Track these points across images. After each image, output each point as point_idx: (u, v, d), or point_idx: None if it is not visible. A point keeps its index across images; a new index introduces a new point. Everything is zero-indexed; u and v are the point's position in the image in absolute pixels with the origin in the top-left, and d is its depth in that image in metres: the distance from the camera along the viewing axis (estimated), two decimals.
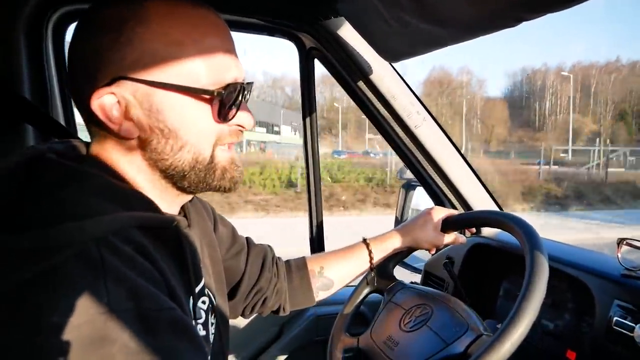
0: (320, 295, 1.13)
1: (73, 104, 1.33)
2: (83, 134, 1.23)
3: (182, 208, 0.78)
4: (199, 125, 0.66)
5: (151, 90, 0.62)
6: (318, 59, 1.44)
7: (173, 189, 0.70)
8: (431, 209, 1.18)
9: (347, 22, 1.26)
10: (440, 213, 1.17)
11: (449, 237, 1.17)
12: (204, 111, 0.66)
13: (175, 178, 0.68)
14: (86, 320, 0.48)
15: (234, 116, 0.68)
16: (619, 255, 1.03)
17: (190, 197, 0.76)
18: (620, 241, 1.03)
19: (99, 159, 0.66)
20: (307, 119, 1.54)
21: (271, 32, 1.40)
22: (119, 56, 0.61)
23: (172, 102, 0.63)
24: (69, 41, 0.66)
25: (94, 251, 0.52)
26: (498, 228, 1.04)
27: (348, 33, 1.30)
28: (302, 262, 1.13)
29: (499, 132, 52.39)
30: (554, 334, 1.14)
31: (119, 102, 0.62)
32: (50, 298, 0.48)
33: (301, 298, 1.12)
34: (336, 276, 1.13)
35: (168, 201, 0.71)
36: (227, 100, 0.66)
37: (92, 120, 0.65)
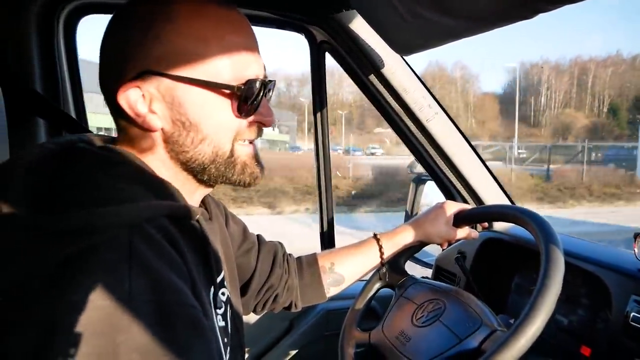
0: (331, 291, 1.13)
1: (86, 98, 1.34)
2: (94, 127, 1.25)
3: (202, 202, 0.80)
4: (218, 119, 0.68)
5: (174, 84, 0.65)
6: (329, 53, 1.43)
7: (193, 181, 0.72)
8: (443, 203, 1.18)
9: (358, 14, 1.24)
10: (453, 207, 1.16)
11: (462, 232, 1.16)
12: (224, 106, 0.68)
13: (195, 171, 0.70)
14: (102, 305, 0.49)
15: (253, 112, 0.70)
16: (636, 250, 1.02)
17: (209, 190, 0.77)
18: (637, 235, 1.01)
19: (126, 151, 0.68)
20: (318, 114, 1.54)
21: (282, 25, 1.40)
22: (146, 51, 0.64)
23: (194, 96, 0.66)
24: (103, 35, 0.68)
25: (126, 237, 0.54)
26: (512, 222, 1.02)
27: (359, 26, 1.29)
28: (312, 259, 1.13)
29: (491, 127, 52.00)
30: (568, 329, 1.13)
31: (143, 95, 0.64)
32: (75, 278, 0.50)
33: (312, 294, 1.12)
34: (347, 272, 1.13)
35: (188, 194, 0.72)
36: (247, 96, 0.68)
37: (118, 114, 0.67)
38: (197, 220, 0.68)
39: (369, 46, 1.31)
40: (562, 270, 0.81)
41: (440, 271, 1.53)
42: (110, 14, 0.69)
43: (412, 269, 1.28)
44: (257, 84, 0.68)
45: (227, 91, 0.67)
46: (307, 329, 1.60)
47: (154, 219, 0.58)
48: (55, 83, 1.23)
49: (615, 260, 1.06)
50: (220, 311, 0.72)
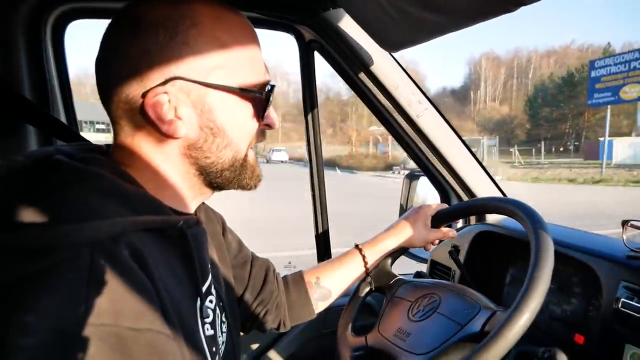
0: (319, 306, 1.14)
1: (76, 103, 1.34)
2: (84, 132, 1.24)
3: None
4: (244, 124, 0.70)
5: (204, 90, 0.65)
6: (318, 52, 1.43)
7: (202, 185, 0.72)
8: (419, 207, 1.19)
9: (345, 13, 1.25)
10: (428, 210, 1.18)
11: (440, 233, 1.17)
12: (248, 111, 0.70)
13: (212, 175, 0.71)
14: (55, 328, 0.47)
15: (268, 115, 0.72)
16: (624, 237, 1.03)
17: (210, 195, 0.77)
18: (625, 223, 1.03)
19: (118, 159, 0.67)
20: (309, 116, 1.54)
21: (270, 25, 1.40)
22: (174, 56, 0.63)
23: (222, 102, 0.67)
24: (102, 40, 0.66)
25: (86, 257, 0.51)
26: (496, 213, 1.03)
27: (347, 24, 1.30)
28: (298, 276, 1.14)
29: None
30: (561, 318, 1.14)
31: (169, 101, 0.64)
32: (29, 298, 0.47)
33: (301, 311, 1.13)
34: (333, 285, 1.14)
35: (190, 198, 0.73)
36: (266, 101, 0.70)
37: (130, 120, 0.66)
38: (181, 229, 0.66)
39: (357, 44, 1.32)
40: (552, 247, 0.82)
41: (435, 265, 1.54)
42: (99, 18, 0.68)
43: (409, 263, 1.29)
44: (271, 89, 0.70)
45: (251, 96, 0.68)
46: (305, 327, 1.60)
47: (122, 235, 0.56)
48: (44, 89, 1.22)
49: (604, 248, 1.07)
50: (208, 320, 0.71)
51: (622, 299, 0.94)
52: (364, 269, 1.15)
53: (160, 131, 0.65)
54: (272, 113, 0.74)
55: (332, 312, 1.60)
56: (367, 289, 1.17)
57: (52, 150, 0.63)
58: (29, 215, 0.53)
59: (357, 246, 1.16)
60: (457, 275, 1.40)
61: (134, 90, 0.63)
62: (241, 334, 0.97)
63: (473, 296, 0.95)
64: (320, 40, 1.39)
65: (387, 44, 1.19)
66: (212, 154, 0.68)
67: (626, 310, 0.93)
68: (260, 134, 0.74)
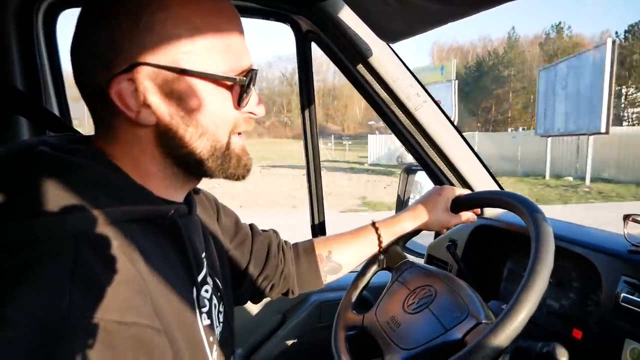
0: (328, 278, 1.13)
1: (69, 94, 1.32)
2: (77, 124, 1.23)
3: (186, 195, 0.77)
4: (219, 112, 0.66)
5: (172, 76, 0.61)
6: (315, 43, 1.41)
7: (185, 175, 0.69)
8: (440, 188, 1.17)
9: (344, 3, 1.23)
10: (450, 193, 1.16)
11: (459, 218, 1.16)
12: (224, 98, 0.66)
13: (191, 166, 0.68)
14: (38, 321, 0.46)
15: (247, 103, 0.68)
16: (625, 231, 1.02)
17: (196, 183, 0.75)
18: (626, 217, 1.02)
19: (101, 149, 0.65)
20: (306, 110, 1.52)
21: (267, 15, 1.38)
22: (139, 42, 0.60)
23: (194, 89, 0.63)
24: (75, 26, 0.64)
25: (70, 248, 0.50)
26: (508, 210, 1.02)
27: (345, 14, 1.28)
28: (310, 246, 1.13)
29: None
30: (559, 313, 1.13)
31: (137, 89, 0.60)
32: (12, 291, 0.47)
33: (309, 281, 1.12)
34: (344, 260, 1.13)
35: (176, 187, 0.70)
36: (246, 87, 0.66)
37: (103, 108, 0.63)
38: (172, 219, 0.65)
39: (356, 34, 1.30)
40: (550, 265, 0.81)
41: (432, 260, 1.53)
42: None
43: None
44: (252, 75, 0.67)
45: (228, 83, 0.65)
46: (300, 321, 1.59)
47: (111, 225, 0.55)
48: (36, 79, 1.20)
49: (605, 242, 1.06)
50: (205, 309, 0.70)
51: (623, 294, 0.94)
52: (377, 247, 1.14)
53: (130, 120, 0.62)
54: (253, 100, 0.70)
55: (328, 306, 1.60)
56: (376, 267, 1.17)
57: (36, 141, 0.62)
58: (11, 209, 0.52)
59: (373, 224, 1.15)
60: (455, 269, 1.39)
61: (101, 78, 0.61)
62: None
63: (467, 298, 0.94)
64: (317, 31, 1.36)
65: (386, 34, 1.18)
66: (187, 143, 0.65)
67: (627, 305, 0.93)
68: (246, 122, 0.70)
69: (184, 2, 0.62)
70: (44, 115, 1.11)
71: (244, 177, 0.73)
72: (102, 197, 0.56)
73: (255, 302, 1.09)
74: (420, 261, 1.59)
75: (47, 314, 0.47)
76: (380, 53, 1.32)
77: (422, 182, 1.70)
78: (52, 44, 1.27)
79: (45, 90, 1.23)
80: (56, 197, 0.54)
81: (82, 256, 0.50)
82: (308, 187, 1.61)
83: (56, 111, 1.28)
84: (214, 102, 0.65)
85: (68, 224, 0.52)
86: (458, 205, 1.15)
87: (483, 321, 0.88)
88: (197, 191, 0.91)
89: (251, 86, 0.67)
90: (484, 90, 47.80)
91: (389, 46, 1.33)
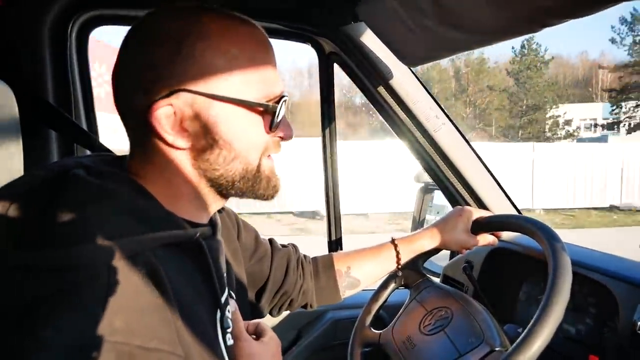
0: (346, 293, 1.14)
1: (97, 109, 1.36)
2: (103, 139, 1.26)
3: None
4: (251, 136, 0.69)
5: (209, 102, 0.64)
6: (338, 64, 1.44)
7: (216, 195, 0.72)
8: (461, 209, 1.18)
9: (367, 27, 1.26)
10: (471, 214, 1.17)
11: (481, 239, 1.17)
12: (256, 123, 0.69)
13: (223, 187, 0.70)
14: (72, 344, 0.48)
15: (279, 127, 0.71)
16: None
17: (225, 202, 0.77)
18: None
19: (135, 171, 0.68)
20: (327, 128, 1.55)
21: (291, 37, 1.41)
22: (180, 70, 0.63)
23: (228, 114, 0.66)
24: (119, 49, 0.67)
25: (104, 276, 0.52)
26: (526, 234, 1.03)
27: (368, 38, 1.31)
28: (329, 261, 1.14)
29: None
30: (576, 338, 1.13)
31: (175, 113, 0.64)
32: (49, 315, 0.49)
33: (328, 296, 1.14)
34: (363, 276, 1.14)
35: (205, 208, 0.73)
36: (277, 112, 0.69)
37: (141, 130, 0.66)
38: (197, 242, 0.67)
39: (377, 58, 1.33)
40: (566, 298, 0.81)
41: (447, 280, 1.53)
42: (122, 25, 0.69)
43: None
44: (283, 101, 0.70)
45: (260, 109, 0.68)
46: (315, 339, 1.60)
47: (140, 253, 0.57)
48: (68, 94, 1.24)
49: (623, 270, 1.06)
50: (229, 329, 0.71)
51: None
52: (395, 265, 1.15)
53: (167, 143, 0.65)
54: (284, 124, 0.72)
55: (343, 324, 1.60)
56: (394, 284, 1.18)
57: (72, 163, 0.64)
58: (49, 234, 0.54)
59: (393, 241, 1.16)
60: (470, 291, 1.39)
61: (141, 102, 0.64)
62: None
63: (482, 324, 0.95)
64: (340, 53, 1.40)
65: (407, 59, 1.20)
66: (220, 166, 0.68)
67: None
68: (276, 146, 0.73)
69: (223, 32, 0.65)
70: (73, 129, 1.15)
71: (272, 197, 0.76)
72: (132, 225, 0.58)
73: (274, 315, 1.11)
74: (437, 281, 1.59)
75: (81, 338, 0.49)
76: (401, 76, 1.35)
77: (439, 202, 1.71)
78: (84, 59, 1.31)
79: (75, 105, 1.26)
80: (92, 224, 0.56)
81: (113, 284, 0.52)
82: (326, 203, 1.63)
83: (85, 125, 1.32)
84: (247, 127, 0.68)
85: (103, 252, 0.54)
86: (478, 227, 1.15)
87: (497, 348, 0.88)
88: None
89: (282, 112, 0.70)
90: None
91: (410, 69, 1.36)
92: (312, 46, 1.43)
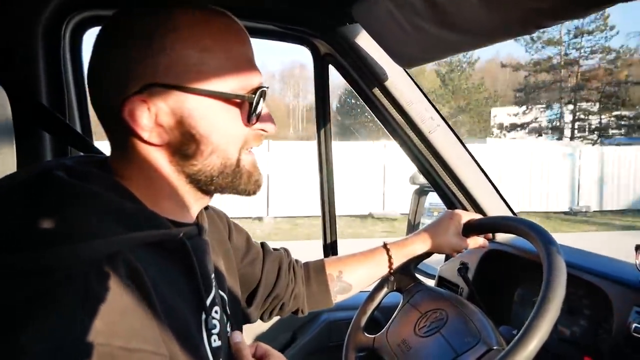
0: (338, 298, 1.14)
1: (91, 111, 1.35)
2: (98, 141, 1.25)
3: (197, 215, 0.78)
4: (229, 130, 0.67)
5: (183, 96, 0.63)
6: (332, 65, 1.44)
7: (197, 192, 0.71)
8: (452, 212, 1.18)
9: (362, 28, 1.26)
10: (462, 217, 1.17)
11: (472, 242, 1.17)
12: (234, 116, 0.67)
13: (202, 182, 0.69)
14: (51, 347, 0.47)
15: (257, 120, 0.70)
16: (637, 261, 1.02)
17: (208, 201, 0.76)
18: (638, 248, 1.02)
19: (116, 170, 0.67)
20: (322, 129, 1.55)
21: (285, 38, 1.41)
22: (151, 64, 0.62)
23: (204, 108, 0.65)
24: (92, 50, 0.67)
25: (81, 277, 0.51)
26: (517, 234, 1.03)
27: (363, 39, 1.31)
28: (320, 266, 1.14)
29: None
30: (570, 340, 1.13)
31: (149, 109, 0.63)
32: (26, 319, 0.48)
33: (319, 301, 1.13)
34: (354, 280, 1.14)
35: (188, 206, 0.72)
36: (255, 105, 0.68)
37: (118, 129, 0.65)
38: (181, 242, 0.66)
39: (372, 59, 1.33)
40: (561, 296, 0.81)
41: (442, 282, 1.53)
42: None
43: None
44: (262, 92, 0.68)
45: (238, 100, 0.67)
46: (310, 340, 1.60)
47: (120, 253, 0.56)
48: (61, 96, 1.23)
49: (617, 272, 1.06)
50: (215, 331, 0.71)
51: (635, 324, 0.93)
52: (388, 269, 1.15)
53: (143, 140, 0.64)
54: (265, 116, 0.71)
55: (338, 326, 1.60)
56: (387, 289, 1.18)
57: (54, 164, 0.63)
58: (27, 236, 0.54)
59: (385, 245, 1.16)
60: (465, 292, 1.39)
61: (116, 100, 0.63)
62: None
63: (478, 324, 0.95)
64: (335, 54, 1.39)
65: (402, 60, 1.20)
66: (198, 161, 0.67)
67: (638, 336, 0.92)
68: (256, 139, 0.72)
69: (193, 23, 0.64)
70: (66, 131, 1.14)
71: (254, 193, 0.74)
72: (112, 225, 0.58)
73: (264, 320, 1.09)
74: (431, 283, 1.59)
75: (61, 341, 0.48)
76: (396, 77, 1.35)
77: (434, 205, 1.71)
78: (78, 61, 1.30)
79: (69, 107, 1.26)
80: (70, 225, 0.55)
81: (92, 285, 0.52)
82: (321, 207, 1.62)
83: (78, 128, 1.31)
84: (224, 120, 0.67)
85: (79, 253, 0.53)
86: (470, 229, 1.15)
87: (494, 347, 0.88)
88: (208, 208, 0.91)
89: (260, 103, 0.69)
90: None
91: (405, 71, 1.35)
92: (307, 47, 1.43)
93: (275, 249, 1.11)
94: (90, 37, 1.31)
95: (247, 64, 0.68)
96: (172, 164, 0.67)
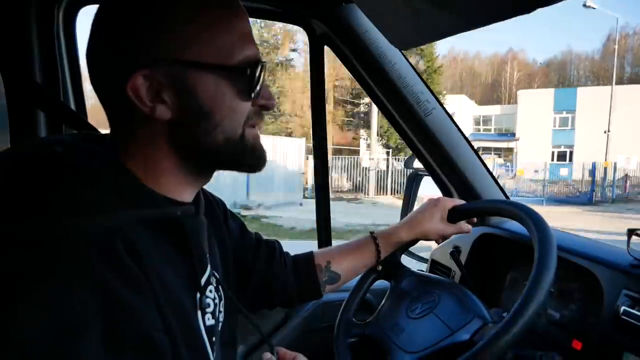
0: (327, 289, 1.14)
1: (85, 89, 1.34)
2: (93, 119, 1.25)
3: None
4: (231, 104, 0.66)
5: (185, 70, 0.63)
6: (328, 46, 1.43)
7: (197, 169, 0.71)
8: (437, 199, 1.19)
9: (358, 8, 1.25)
10: (447, 203, 1.17)
11: (456, 227, 1.17)
12: (235, 90, 0.66)
13: (206, 159, 0.69)
14: (51, 319, 0.48)
15: (259, 95, 0.69)
16: (629, 245, 1.03)
17: (207, 181, 0.76)
18: (630, 232, 1.03)
19: (116, 148, 0.66)
20: (317, 113, 1.54)
21: (281, 18, 1.40)
22: (151, 39, 0.62)
23: (205, 82, 0.64)
24: (90, 29, 0.66)
25: (82, 252, 0.52)
26: (507, 217, 1.04)
27: (359, 20, 1.30)
28: (309, 257, 1.14)
29: None
30: (560, 323, 1.14)
31: (151, 85, 0.62)
32: (26, 289, 0.49)
33: (308, 292, 1.13)
34: (343, 270, 1.14)
35: (188, 185, 0.71)
36: (255, 78, 0.67)
37: (119, 106, 0.65)
38: (178, 221, 0.66)
39: (369, 40, 1.32)
40: (554, 266, 0.83)
41: (435, 265, 1.54)
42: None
43: (407, 263, 1.30)
44: (262, 66, 0.68)
45: (239, 75, 0.66)
46: (302, 321, 1.61)
47: (118, 229, 0.56)
48: (55, 74, 1.23)
49: (608, 255, 1.07)
50: (209, 310, 0.71)
51: (623, 307, 0.94)
52: (375, 259, 1.15)
53: (144, 116, 0.64)
54: (265, 92, 0.70)
55: (330, 306, 1.61)
56: (374, 275, 1.18)
57: (52, 140, 0.63)
58: (26, 209, 0.54)
59: (372, 235, 1.17)
60: (458, 276, 1.40)
61: (116, 75, 0.62)
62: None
63: (470, 302, 0.96)
64: (331, 35, 1.38)
65: (398, 41, 1.19)
66: (201, 137, 0.66)
67: (627, 319, 0.93)
68: (257, 115, 0.71)
69: None
70: (61, 110, 1.13)
71: (258, 169, 0.74)
72: (111, 201, 0.58)
73: (254, 310, 1.09)
74: (424, 267, 1.60)
75: (61, 313, 0.49)
76: (392, 59, 1.34)
77: (428, 188, 1.71)
78: (72, 40, 1.29)
79: (63, 86, 1.25)
80: (70, 200, 0.55)
81: (92, 259, 0.52)
82: (316, 200, 1.63)
83: (73, 106, 1.31)
84: (226, 95, 0.66)
85: (82, 227, 0.53)
86: (455, 215, 1.16)
87: (489, 322, 0.89)
88: (205, 194, 0.92)
89: (261, 78, 0.68)
90: None
91: (401, 52, 1.35)
92: (303, 28, 1.42)
93: (267, 241, 1.12)
94: (83, 15, 1.31)
95: (246, 39, 0.67)
96: (174, 140, 0.66)
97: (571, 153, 31.35)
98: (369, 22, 1.21)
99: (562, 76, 59.28)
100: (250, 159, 0.72)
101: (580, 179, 22.37)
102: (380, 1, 1.06)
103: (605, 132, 24.79)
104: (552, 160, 30.46)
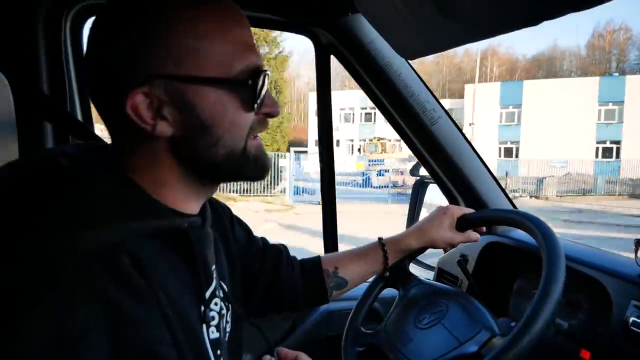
0: (334, 294, 1.13)
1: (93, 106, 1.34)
2: (99, 130, 1.25)
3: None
4: (233, 117, 0.65)
5: (183, 86, 0.61)
6: (334, 55, 1.44)
7: (202, 182, 0.70)
8: (446, 207, 1.18)
9: (364, 18, 1.25)
10: (456, 211, 1.17)
11: (465, 236, 1.17)
12: (237, 102, 0.65)
13: (207, 172, 0.68)
14: (55, 336, 0.48)
15: (262, 104, 0.67)
16: (637, 256, 1.03)
17: (213, 191, 0.75)
18: (638, 242, 1.02)
19: (118, 163, 0.66)
20: (323, 120, 1.54)
21: (287, 27, 1.41)
22: (148, 55, 0.60)
23: (206, 96, 0.62)
24: (86, 46, 0.65)
25: (86, 266, 0.52)
26: (515, 227, 1.04)
27: (365, 29, 1.31)
28: (316, 262, 1.13)
29: None
30: (568, 333, 1.13)
31: (150, 102, 0.61)
32: (30, 305, 0.48)
33: (315, 297, 1.12)
34: (350, 276, 1.13)
35: (193, 197, 0.70)
36: (258, 88, 0.65)
37: (119, 123, 0.64)
38: (184, 232, 0.65)
39: (375, 49, 1.32)
40: (562, 279, 0.83)
41: (442, 274, 1.53)
42: None
43: (414, 271, 1.29)
44: (264, 76, 0.66)
45: (239, 86, 0.64)
46: (309, 330, 1.60)
47: (123, 243, 0.55)
48: (62, 85, 1.23)
49: (616, 266, 1.07)
50: (213, 323, 0.71)
51: (632, 318, 0.94)
52: (383, 265, 1.14)
53: (146, 133, 0.62)
54: (268, 100, 0.68)
55: (338, 315, 1.61)
56: (382, 284, 1.18)
57: (56, 152, 0.63)
58: (29, 223, 0.53)
59: (380, 241, 1.16)
60: (465, 284, 1.39)
61: (115, 93, 0.61)
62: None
63: (478, 313, 0.96)
64: (337, 44, 1.39)
65: (404, 51, 1.19)
66: (203, 151, 0.65)
67: (636, 330, 0.93)
68: (261, 124, 0.69)
69: (189, 11, 0.61)
70: (67, 120, 1.14)
71: (262, 177, 0.72)
72: (115, 214, 0.57)
73: (262, 315, 1.09)
74: (430, 275, 1.60)
75: (64, 330, 0.49)
76: (398, 68, 1.34)
77: (434, 196, 1.71)
78: (79, 50, 1.30)
79: (70, 96, 1.26)
80: (74, 214, 0.55)
81: (95, 274, 0.52)
82: (322, 205, 1.63)
83: (80, 115, 1.31)
84: (228, 108, 0.64)
85: (85, 241, 0.53)
86: (464, 223, 1.16)
87: (497, 334, 0.89)
88: (211, 201, 0.90)
89: (264, 87, 0.66)
90: None
91: (407, 62, 1.35)
92: (309, 37, 1.42)
93: (274, 245, 1.11)
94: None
95: (246, 48, 0.65)
96: (176, 155, 0.65)
97: (517, 149, 30.73)
98: (374, 32, 1.21)
99: (546, 71, 58.78)
100: (252, 170, 0.70)
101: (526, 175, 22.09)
102: (386, 11, 1.06)
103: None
104: (500, 156, 30.18)
